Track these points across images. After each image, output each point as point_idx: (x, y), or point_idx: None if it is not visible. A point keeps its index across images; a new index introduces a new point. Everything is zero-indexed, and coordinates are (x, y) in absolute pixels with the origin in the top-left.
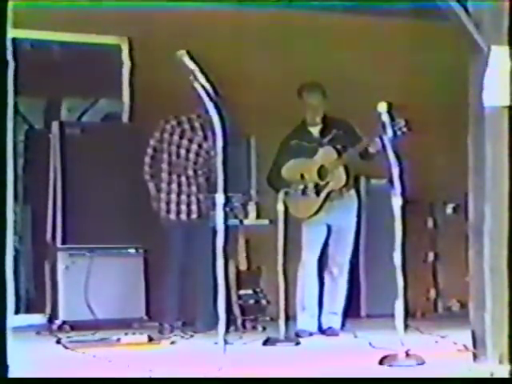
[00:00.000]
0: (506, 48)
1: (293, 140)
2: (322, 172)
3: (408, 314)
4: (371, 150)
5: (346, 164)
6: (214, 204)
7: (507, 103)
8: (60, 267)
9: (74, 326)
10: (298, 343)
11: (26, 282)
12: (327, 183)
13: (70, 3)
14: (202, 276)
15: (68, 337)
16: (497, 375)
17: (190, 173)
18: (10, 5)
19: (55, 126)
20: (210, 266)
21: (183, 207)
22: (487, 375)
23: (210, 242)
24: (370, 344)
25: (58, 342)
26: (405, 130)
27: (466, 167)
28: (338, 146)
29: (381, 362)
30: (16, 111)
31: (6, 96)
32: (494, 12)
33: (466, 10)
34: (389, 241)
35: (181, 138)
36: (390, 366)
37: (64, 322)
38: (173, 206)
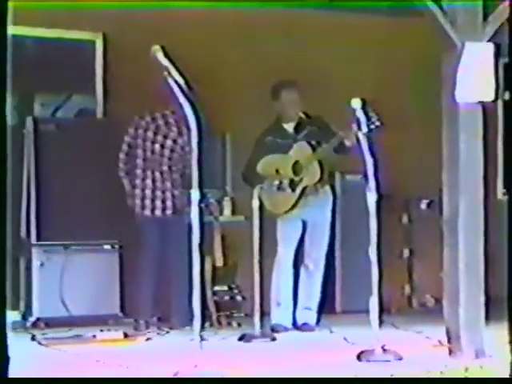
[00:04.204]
0: (480, 44)
1: (268, 136)
2: (296, 168)
3: (383, 309)
4: (347, 142)
5: (320, 159)
6: (189, 200)
7: (480, 99)
8: (35, 264)
9: (49, 323)
10: (273, 339)
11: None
12: (302, 179)
13: None
14: (178, 272)
15: (43, 334)
16: (472, 370)
17: (165, 168)
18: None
19: (29, 121)
20: (186, 263)
21: (158, 203)
22: (462, 370)
23: (186, 238)
24: (346, 339)
25: (33, 338)
26: (378, 123)
27: (441, 163)
28: (313, 142)
29: (358, 358)
30: None
31: None
32: (469, 8)
33: (441, 7)
34: (364, 236)
35: (155, 133)
36: (367, 361)
37: (38, 319)
38: (147, 202)
